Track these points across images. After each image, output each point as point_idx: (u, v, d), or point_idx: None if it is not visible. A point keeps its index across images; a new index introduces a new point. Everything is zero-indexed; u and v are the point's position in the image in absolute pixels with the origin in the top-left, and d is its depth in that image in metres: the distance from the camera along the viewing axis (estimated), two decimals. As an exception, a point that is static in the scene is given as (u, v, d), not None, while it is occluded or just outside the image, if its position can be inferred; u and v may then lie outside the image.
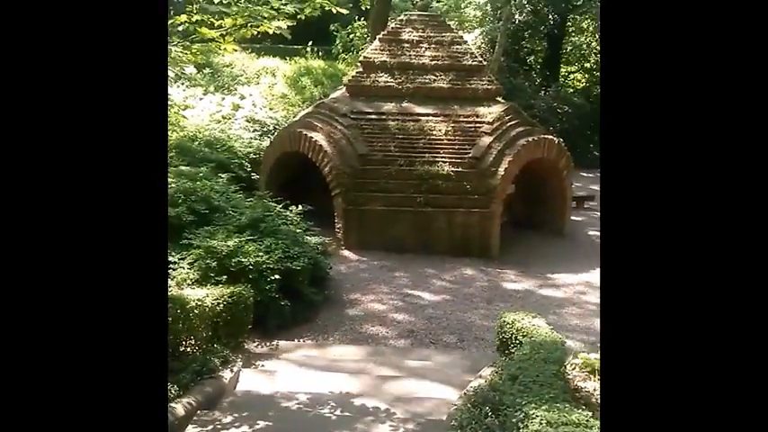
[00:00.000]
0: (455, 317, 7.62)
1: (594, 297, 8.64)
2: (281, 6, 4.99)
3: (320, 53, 21.51)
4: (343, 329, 7.14)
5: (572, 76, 26.51)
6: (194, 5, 4.51)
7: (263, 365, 5.90)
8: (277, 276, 6.84)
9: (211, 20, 4.74)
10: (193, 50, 5.02)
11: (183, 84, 14.27)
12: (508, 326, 5.74)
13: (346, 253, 10.03)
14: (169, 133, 11.73)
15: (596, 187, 17.37)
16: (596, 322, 7.69)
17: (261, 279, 6.75)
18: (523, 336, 5.46)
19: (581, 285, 9.21)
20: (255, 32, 5.22)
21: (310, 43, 21.02)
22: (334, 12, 5.82)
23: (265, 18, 4.88)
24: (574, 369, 5.54)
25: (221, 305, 5.84)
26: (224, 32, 4.97)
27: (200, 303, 5.49)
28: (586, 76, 26.09)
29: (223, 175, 9.73)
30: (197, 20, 4.67)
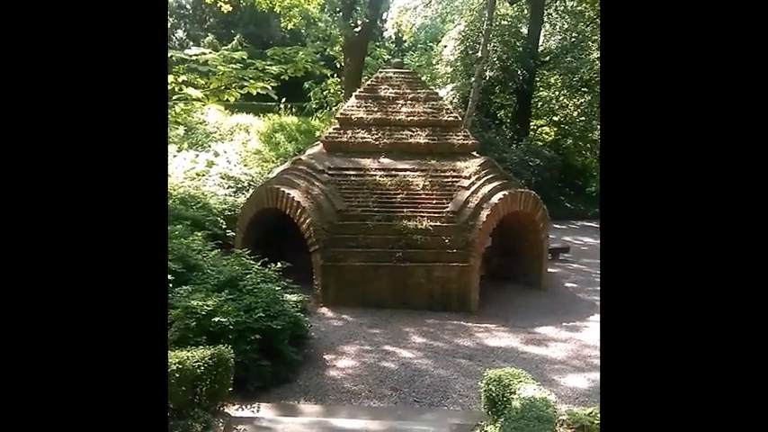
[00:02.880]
0: (437, 374, 7.49)
1: (573, 350, 8.61)
2: (267, 67, 5.04)
3: (293, 110, 21.75)
4: (325, 390, 6.95)
5: (541, 129, 27.23)
6: (181, 66, 4.52)
7: (245, 430, 5.68)
8: (258, 336, 6.69)
9: (197, 80, 4.75)
10: (177, 111, 5.01)
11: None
12: (495, 383, 5.67)
13: (324, 310, 9.88)
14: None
15: (569, 238, 17.63)
16: (576, 375, 7.64)
17: (241, 339, 6.59)
18: (511, 393, 5.39)
19: (561, 338, 9.17)
20: (240, 93, 5.25)
21: (284, 100, 21.27)
22: (318, 72, 5.91)
23: (251, 79, 4.92)
24: (561, 426, 5.48)
25: (202, 367, 5.65)
26: (209, 93, 4.99)
27: (181, 366, 5.31)
28: (555, 129, 26.85)
29: (198, 233, 9.59)
30: (183, 80, 4.67)
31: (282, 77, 5.77)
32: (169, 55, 4.46)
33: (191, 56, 4.41)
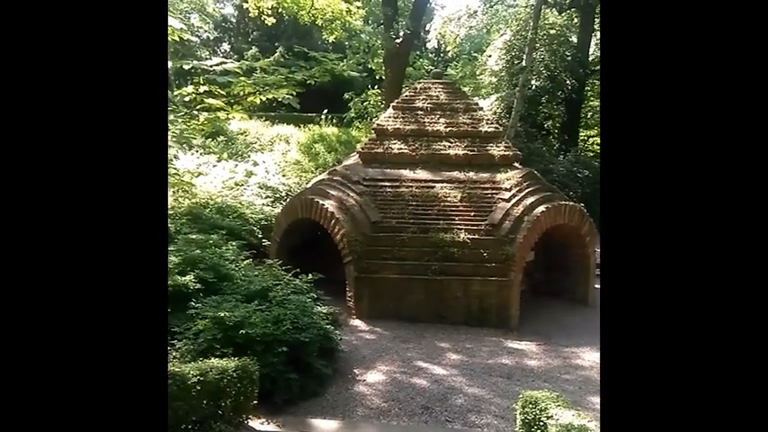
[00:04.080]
0: (472, 393, 7.17)
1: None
2: (290, 74, 4.91)
3: (334, 120, 21.80)
4: (353, 405, 6.73)
5: (591, 140, 26.41)
6: (200, 77, 4.43)
7: (266, 447, 5.51)
8: (285, 348, 6.53)
9: (218, 90, 4.64)
10: (201, 121, 4.93)
11: (196, 151, 14.38)
12: (531, 405, 5.35)
13: (357, 323, 9.68)
14: (181, 200, 11.72)
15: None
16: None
17: (268, 351, 6.45)
18: (548, 417, 5.06)
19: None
20: (264, 99, 5.13)
21: (325, 111, 21.33)
22: (347, 76, 5.75)
23: (273, 86, 4.80)
24: (602, 455, 5.10)
25: (225, 380, 5.52)
26: (231, 101, 4.89)
27: (202, 378, 5.19)
28: (606, 139, 25.97)
29: (234, 243, 9.55)
30: (204, 90, 4.58)
31: (312, 84, 5.65)
32: (189, 66, 4.38)
33: (210, 66, 4.31)
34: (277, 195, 13.72)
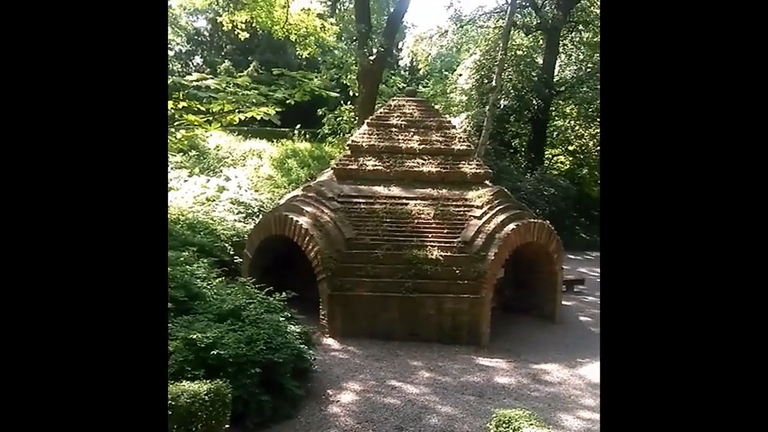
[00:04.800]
0: (444, 412, 7.19)
1: (586, 388, 8.27)
2: (270, 92, 4.90)
3: (307, 136, 21.76)
4: (326, 427, 6.67)
5: (556, 158, 27.02)
6: (180, 92, 4.39)
7: (239, 471, 5.42)
8: (258, 370, 6.45)
9: (198, 106, 4.62)
10: (179, 137, 4.89)
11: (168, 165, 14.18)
12: (504, 425, 5.39)
13: (330, 341, 9.62)
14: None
15: (585, 270, 17.26)
16: (590, 415, 7.31)
17: (240, 373, 6.35)
18: (520, 437, 5.11)
19: (574, 375, 8.84)
20: (243, 117, 5.12)
21: (298, 126, 21.29)
22: (324, 95, 5.76)
23: (254, 104, 4.79)
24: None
25: (197, 404, 5.42)
26: (210, 118, 4.85)
27: (173, 403, 5.08)
28: (570, 158, 26.63)
29: (205, 260, 9.43)
30: (183, 106, 4.54)
31: (291, 103, 5.64)
32: (169, 81, 4.34)
33: (190, 81, 4.29)
34: (249, 211, 13.59)
